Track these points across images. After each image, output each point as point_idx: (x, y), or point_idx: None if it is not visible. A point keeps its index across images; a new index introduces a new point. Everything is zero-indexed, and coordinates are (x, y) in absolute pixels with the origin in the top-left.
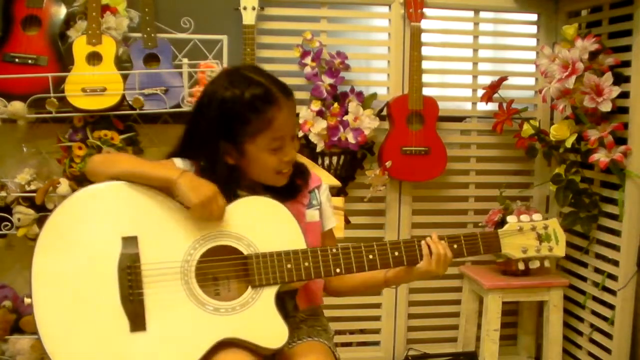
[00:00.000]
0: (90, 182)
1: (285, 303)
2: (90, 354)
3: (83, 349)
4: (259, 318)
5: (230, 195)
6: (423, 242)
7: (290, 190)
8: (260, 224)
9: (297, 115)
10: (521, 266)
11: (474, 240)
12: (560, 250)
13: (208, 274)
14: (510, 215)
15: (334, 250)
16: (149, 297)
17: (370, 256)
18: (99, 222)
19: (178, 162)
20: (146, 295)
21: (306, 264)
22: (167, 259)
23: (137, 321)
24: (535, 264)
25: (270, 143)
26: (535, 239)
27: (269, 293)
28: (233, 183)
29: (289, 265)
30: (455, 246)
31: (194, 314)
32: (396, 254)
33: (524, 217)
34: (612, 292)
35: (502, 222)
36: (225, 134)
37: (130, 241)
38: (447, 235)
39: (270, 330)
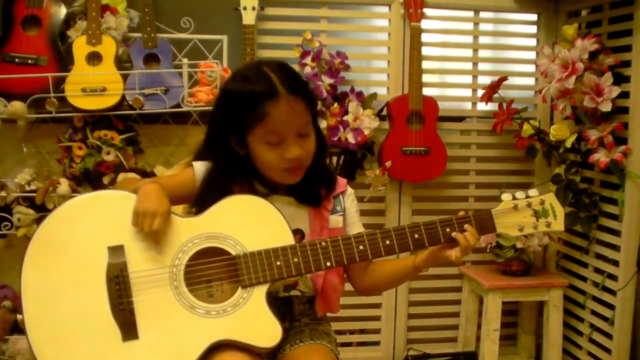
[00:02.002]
0: (90, 182)
1: (293, 306)
2: None
3: None
4: (251, 318)
5: (250, 192)
6: (463, 235)
7: (312, 197)
8: (245, 223)
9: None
10: (519, 244)
11: (467, 222)
12: (559, 225)
13: (197, 278)
14: (505, 193)
15: (323, 244)
16: (139, 305)
17: (361, 247)
18: (85, 234)
19: (197, 165)
20: (136, 303)
21: (295, 259)
22: (155, 266)
23: (129, 330)
24: (533, 242)
25: (266, 136)
26: (532, 215)
27: (260, 292)
28: (248, 177)
29: (278, 263)
30: (447, 229)
31: (186, 318)
32: (387, 242)
33: (519, 194)
34: (612, 292)
35: None
36: (231, 126)
37: (116, 250)
38: (439, 218)
39: (263, 329)
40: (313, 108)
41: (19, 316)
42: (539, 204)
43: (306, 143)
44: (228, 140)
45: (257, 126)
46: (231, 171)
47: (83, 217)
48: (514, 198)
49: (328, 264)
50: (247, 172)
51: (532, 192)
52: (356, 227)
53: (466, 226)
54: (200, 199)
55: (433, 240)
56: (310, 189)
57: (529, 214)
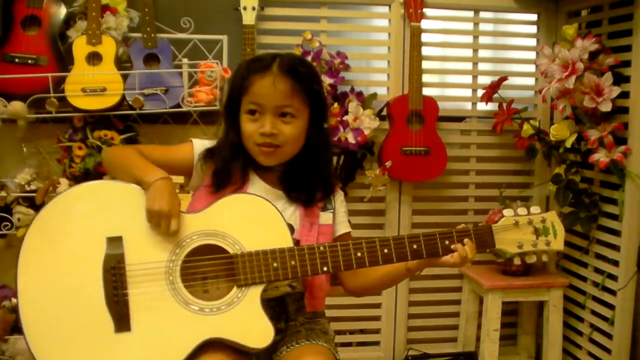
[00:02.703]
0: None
1: (287, 306)
2: (75, 355)
3: (68, 350)
4: (244, 317)
5: (245, 178)
6: (459, 245)
7: (306, 197)
8: (245, 222)
9: (306, 96)
10: (517, 261)
11: (467, 236)
12: (558, 244)
13: (193, 274)
14: (507, 209)
15: (321, 248)
16: (134, 298)
17: (359, 254)
18: (85, 223)
19: (197, 141)
20: (131, 296)
21: (292, 262)
22: (152, 259)
23: (122, 322)
24: (532, 259)
25: (247, 105)
26: (532, 233)
27: (255, 292)
28: (245, 155)
29: (275, 264)
30: (447, 242)
31: (179, 314)
32: (385, 251)
33: (520, 211)
34: (612, 292)
35: None
36: (232, 98)
37: (115, 241)
38: (439, 230)
39: (256, 329)
40: (311, 103)
41: (13, 300)
42: (540, 221)
43: (285, 126)
44: (233, 115)
45: (244, 96)
46: (232, 145)
47: (83, 206)
48: (516, 214)
49: (325, 268)
50: (244, 149)
51: (534, 209)
52: (343, 226)
53: (465, 240)
54: (211, 154)
55: (431, 251)
56: (305, 189)
57: (529, 231)
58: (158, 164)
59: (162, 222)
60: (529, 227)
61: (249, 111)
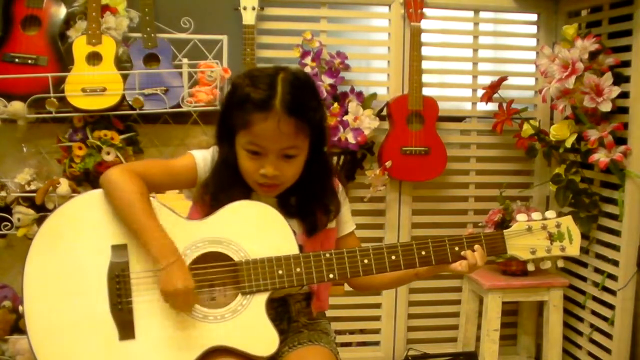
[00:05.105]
0: (90, 182)
1: (289, 307)
2: None
3: (73, 357)
4: (249, 325)
5: (248, 195)
6: (469, 252)
7: (310, 224)
8: (251, 230)
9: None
10: (531, 267)
11: (477, 242)
12: (574, 250)
13: (197, 282)
14: (521, 214)
15: (327, 255)
16: (138, 306)
17: (365, 260)
18: (90, 230)
19: (197, 153)
20: (135, 304)
21: (298, 269)
22: (156, 267)
23: (126, 329)
24: (546, 265)
25: (246, 144)
26: (546, 238)
27: (260, 300)
28: (247, 188)
29: (280, 272)
30: (456, 248)
31: (183, 322)
32: (393, 257)
33: (535, 215)
34: (612, 292)
35: (502, 222)
36: (227, 118)
37: (119, 249)
38: (448, 236)
39: (261, 337)
40: (312, 132)
41: (20, 307)
42: (555, 226)
43: (288, 165)
44: (229, 138)
45: (242, 131)
46: (231, 175)
47: (90, 213)
48: (530, 219)
49: (331, 275)
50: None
51: (550, 213)
52: (348, 226)
53: (476, 246)
54: (208, 185)
55: (440, 258)
56: (308, 215)
57: (543, 236)
58: (162, 185)
59: (178, 303)
60: (542, 233)
61: (249, 150)
